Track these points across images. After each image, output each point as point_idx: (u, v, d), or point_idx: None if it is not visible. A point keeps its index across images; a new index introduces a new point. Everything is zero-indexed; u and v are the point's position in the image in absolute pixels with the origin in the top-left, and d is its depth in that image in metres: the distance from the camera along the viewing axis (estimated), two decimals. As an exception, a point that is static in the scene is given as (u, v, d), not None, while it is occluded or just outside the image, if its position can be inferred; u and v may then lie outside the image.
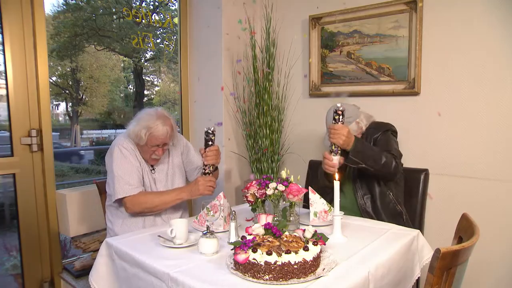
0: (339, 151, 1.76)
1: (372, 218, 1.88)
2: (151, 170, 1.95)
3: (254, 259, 1.10)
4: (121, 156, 1.81)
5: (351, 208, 1.93)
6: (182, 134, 2.97)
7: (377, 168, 1.78)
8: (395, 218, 1.89)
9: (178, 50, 2.95)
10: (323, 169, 1.84)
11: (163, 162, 1.99)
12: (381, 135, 1.96)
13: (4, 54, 2.02)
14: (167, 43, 3.09)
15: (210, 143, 1.77)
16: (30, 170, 2.12)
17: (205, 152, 1.78)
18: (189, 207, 2.19)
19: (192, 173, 2.10)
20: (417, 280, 1.60)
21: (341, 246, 1.39)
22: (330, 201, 1.63)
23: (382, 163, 1.78)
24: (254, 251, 1.12)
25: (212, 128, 1.77)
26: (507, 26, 1.96)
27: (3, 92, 2.07)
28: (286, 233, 1.27)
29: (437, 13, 2.16)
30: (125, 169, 1.79)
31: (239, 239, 1.25)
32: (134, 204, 1.78)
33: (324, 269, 1.16)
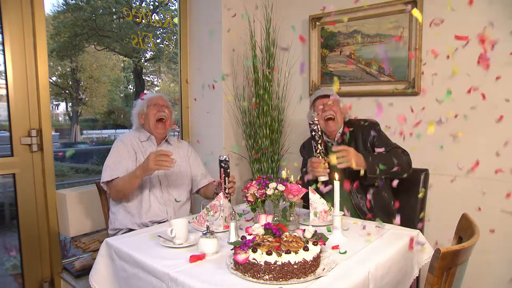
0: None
1: (366, 215, 1.89)
2: None
3: (254, 259, 1.10)
4: (115, 148, 1.96)
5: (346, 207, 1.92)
6: (182, 133, 2.97)
7: (393, 172, 1.76)
8: (389, 218, 1.88)
9: (178, 50, 2.95)
10: (312, 173, 1.81)
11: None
12: (377, 134, 1.94)
13: (4, 54, 2.02)
14: (167, 43, 3.09)
15: (228, 171, 1.77)
16: (30, 170, 2.12)
17: (223, 182, 1.77)
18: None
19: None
20: (417, 280, 1.60)
21: (341, 246, 1.39)
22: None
23: (396, 165, 1.76)
24: (254, 251, 1.12)
25: (227, 156, 1.78)
26: (507, 26, 1.96)
27: (3, 92, 2.07)
28: (286, 233, 1.26)
29: (437, 13, 2.16)
30: (114, 159, 1.92)
31: (239, 239, 1.25)
32: (111, 189, 1.90)
33: (324, 269, 1.16)
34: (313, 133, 1.81)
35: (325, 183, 1.73)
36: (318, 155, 1.80)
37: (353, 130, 1.96)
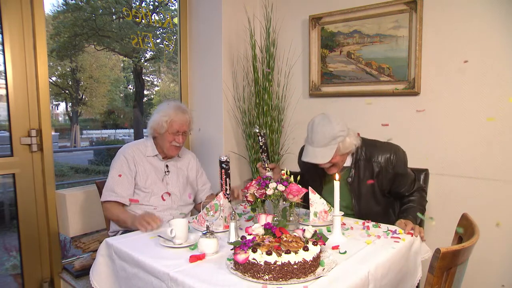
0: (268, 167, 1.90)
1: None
2: (165, 172, 2.01)
3: (254, 259, 1.10)
4: (118, 164, 1.92)
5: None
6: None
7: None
8: None
9: (178, 50, 2.95)
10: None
11: (179, 168, 2.08)
12: (400, 173, 1.77)
13: (4, 54, 2.02)
14: (167, 43, 3.09)
15: (229, 171, 1.74)
16: (30, 170, 2.12)
17: (224, 182, 1.71)
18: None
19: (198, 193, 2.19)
20: (417, 280, 1.60)
21: (341, 246, 1.39)
22: None
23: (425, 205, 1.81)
24: (254, 251, 1.12)
25: (228, 157, 1.74)
26: (507, 26, 1.96)
27: (3, 92, 2.07)
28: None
29: (437, 13, 2.16)
30: (115, 178, 1.89)
31: (239, 239, 1.25)
32: (105, 210, 1.92)
33: (324, 269, 1.16)
34: (261, 144, 1.87)
35: None
36: (264, 163, 1.91)
37: (366, 161, 1.77)
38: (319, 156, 1.67)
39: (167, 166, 2.03)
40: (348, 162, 1.80)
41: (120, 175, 1.88)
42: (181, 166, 2.09)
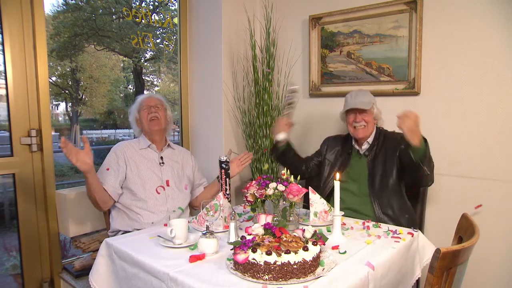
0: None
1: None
2: (160, 163, 2.05)
3: (253, 259, 1.10)
4: (108, 160, 1.98)
5: (364, 210, 1.91)
6: (181, 133, 2.97)
7: (426, 169, 1.75)
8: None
9: (178, 50, 2.95)
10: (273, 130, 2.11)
11: (174, 160, 2.12)
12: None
13: (4, 54, 2.02)
14: (167, 43, 3.09)
15: (229, 171, 1.77)
16: (30, 170, 2.12)
17: (224, 182, 1.75)
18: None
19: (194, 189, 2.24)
20: (417, 280, 1.60)
21: (340, 246, 1.39)
22: None
23: (432, 167, 1.81)
24: (254, 251, 1.12)
25: (227, 157, 1.77)
26: (507, 26, 1.96)
27: (3, 92, 2.07)
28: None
29: (437, 13, 2.16)
30: (102, 171, 1.95)
31: (239, 239, 1.25)
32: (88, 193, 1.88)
33: (323, 269, 1.16)
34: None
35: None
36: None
37: (384, 140, 2.01)
38: (362, 105, 1.98)
39: (161, 158, 2.06)
40: (370, 139, 2.04)
41: (108, 169, 1.93)
42: (176, 159, 2.13)
